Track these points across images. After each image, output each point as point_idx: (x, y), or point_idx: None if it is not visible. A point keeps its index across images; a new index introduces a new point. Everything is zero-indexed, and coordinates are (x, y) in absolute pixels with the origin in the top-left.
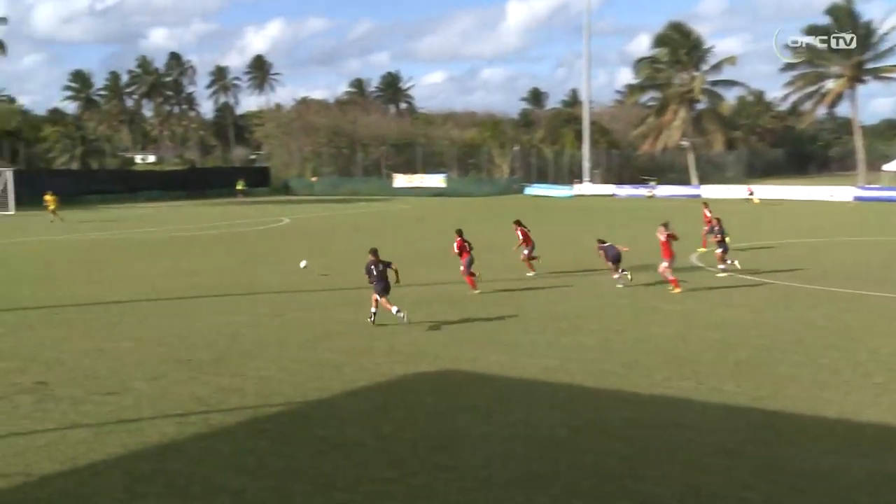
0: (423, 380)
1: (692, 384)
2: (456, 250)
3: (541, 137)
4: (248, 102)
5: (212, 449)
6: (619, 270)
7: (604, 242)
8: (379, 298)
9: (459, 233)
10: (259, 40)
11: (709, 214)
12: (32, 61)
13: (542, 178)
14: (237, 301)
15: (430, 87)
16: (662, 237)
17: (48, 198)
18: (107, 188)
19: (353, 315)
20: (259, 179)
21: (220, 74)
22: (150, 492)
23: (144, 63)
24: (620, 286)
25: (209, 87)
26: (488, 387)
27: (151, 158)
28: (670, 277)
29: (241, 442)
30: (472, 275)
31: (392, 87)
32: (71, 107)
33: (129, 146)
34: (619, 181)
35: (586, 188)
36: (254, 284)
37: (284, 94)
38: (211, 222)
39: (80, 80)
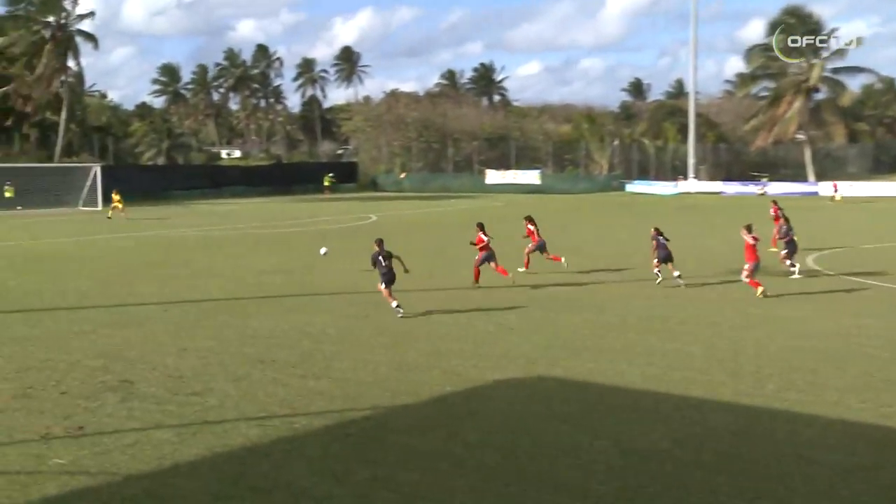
0: (514, 386)
1: (808, 397)
2: (478, 245)
3: (642, 131)
4: (336, 95)
5: (296, 453)
6: (675, 273)
7: (661, 234)
8: (383, 289)
9: (481, 227)
10: (347, 31)
11: (777, 213)
12: (122, 56)
13: (644, 175)
14: (321, 300)
15: (524, 79)
16: (750, 240)
17: (116, 196)
18: (192, 184)
19: (439, 316)
20: (346, 175)
21: (307, 67)
22: (233, 495)
23: (231, 55)
24: (657, 282)
25: (296, 79)
26: (584, 395)
27: (237, 153)
28: (750, 280)
29: (325, 447)
30: (501, 271)
31: (485, 78)
32: (158, 101)
33: (215, 141)
34: (727, 177)
35: (691, 185)
36: (339, 283)
37: (373, 86)
38: (296, 219)
39: (168, 73)
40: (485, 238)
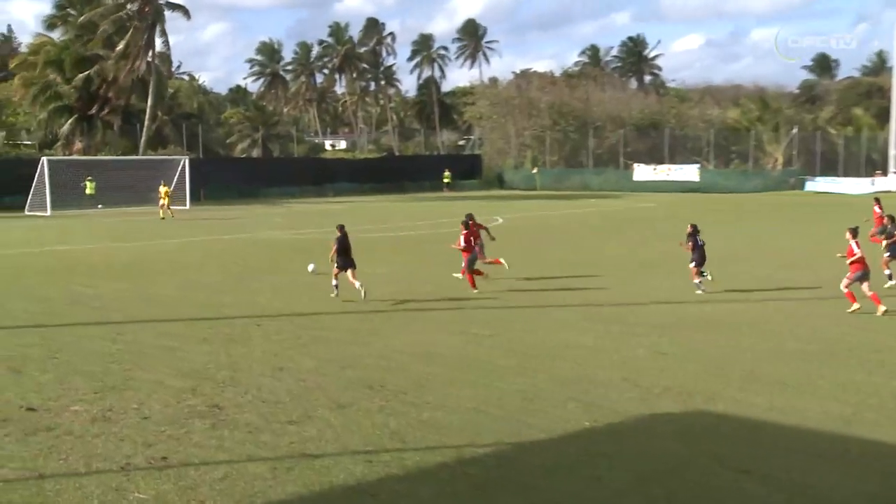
0: (669, 422)
1: None
2: (462, 244)
3: (828, 117)
4: (457, 77)
5: (407, 494)
6: (701, 275)
7: (697, 234)
8: (343, 272)
9: (467, 223)
10: (471, 2)
11: (879, 211)
12: (214, 33)
13: (830, 170)
14: (441, 315)
15: (682, 56)
16: (855, 247)
17: (163, 190)
18: (290, 179)
19: (577, 337)
20: (468, 170)
21: (424, 43)
22: None
23: (337, 31)
24: (700, 292)
25: (411, 58)
26: (755, 435)
27: (342, 144)
28: (847, 291)
29: (440, 488)
30: (477, 272)
31: (634, 55)
32: (255, 85)
33: (318, 130)
34: None
35: (892, 182)
36: (459, 296)
37: (501, 66)
38: (409, 221)
39: (267, 52)
40: (470, 239)
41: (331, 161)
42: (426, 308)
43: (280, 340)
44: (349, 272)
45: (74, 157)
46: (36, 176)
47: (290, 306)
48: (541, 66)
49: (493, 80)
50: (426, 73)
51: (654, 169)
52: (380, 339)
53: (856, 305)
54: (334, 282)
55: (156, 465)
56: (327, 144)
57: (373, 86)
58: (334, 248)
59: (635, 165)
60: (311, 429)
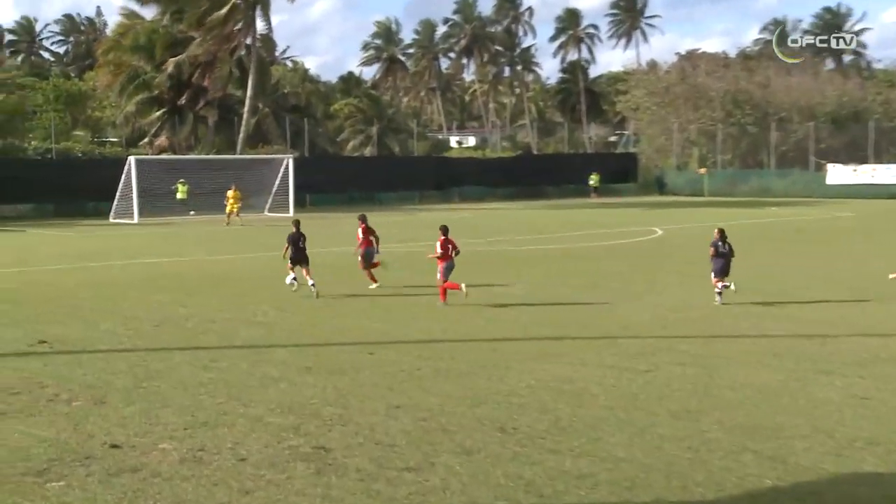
0: (871, 484)
1: None
2: (438, 252)
3: None
4: (609, 60)
5: None
6: (721, 285)
7: (724, 241)
8: (297, 267)
9: (445, 229)
10: None
11: None
12: (322, 11)
13: None
14: (585, 346)
15: (892, 28)
16: None
17: (231, 194)
18: (409, 182)
19: (756, 372)
20: (621, 171)
21: (569, 20)
22: None
23: (465, 7)
24: (717, 302)
25: (553, 38)
26: None
27: (471, 141)
28: None
29: None
30: (451, 286)
31: (830, 29)
32: (369, 72)
33: (442, 124)
34: None
35: None
36: (610, 325)
37: (662, 46)
38: (550, 232)
39: (383, 33)
40: (448, 244)
41: (457, 161)
42: (568, 336)
43: (395, 372)
44: (303, 269)
45: (163, 156)
46: (122, 178)
47: (406, 332)
48: (711, 46)
49: (653, 64)
50: (571, 55)
51: (854, 170)
52: (513, 373)
53: None
54: (290, 278)
55: None
56: (453, 141)
57: (507, 71)
58: (287, 245)
59: (829, 166)
60: (432, 478)
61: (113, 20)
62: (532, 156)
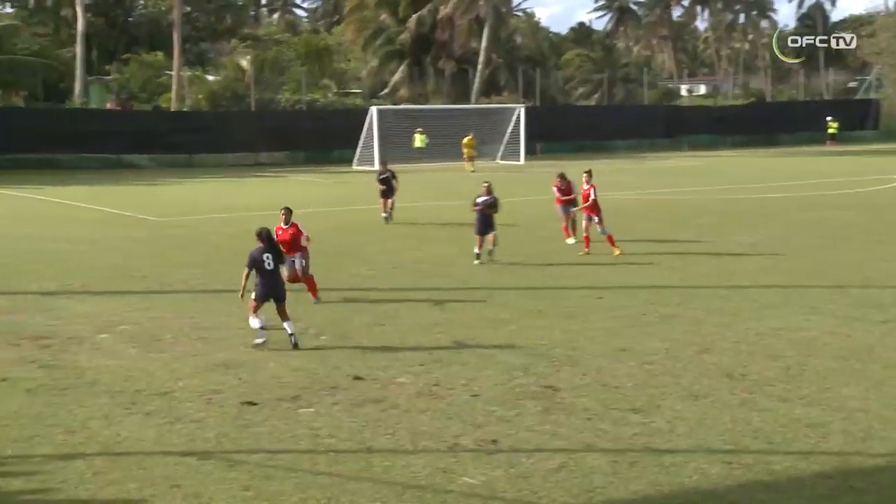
0: None
1: None
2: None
3: None
4: (851, 3)
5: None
6: None
7: None
8: (262, 305)
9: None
10: None
11: None
12: None
13: None
14: (817, 295)
15: None
16: None
17: (466, 141)
18: (637, 131)
19: None
20: (860, 118)
21: None
22: None
23: None
24: None
25: None
26: None
27: (702, 89)
28: None
29: (818, 500)
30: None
31: None
32: (600, 23)
33: (673, 73)
34: None
35: None
36: (843, 274)
37: None
38: (781, 180)
39: None
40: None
41: (687, 109)
42: (799, 284)
43: (623, 317)
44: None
45: (402, 106)
46: (364, 127)
47: (635, 278)
48: None
49: None
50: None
51: None
52: (741, 321)
53: None
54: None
55: (485, 448)
56: (683, 90)
57: (742, 18)
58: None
59: None
60: (658, 420)
61: None
62: (764, 103)
